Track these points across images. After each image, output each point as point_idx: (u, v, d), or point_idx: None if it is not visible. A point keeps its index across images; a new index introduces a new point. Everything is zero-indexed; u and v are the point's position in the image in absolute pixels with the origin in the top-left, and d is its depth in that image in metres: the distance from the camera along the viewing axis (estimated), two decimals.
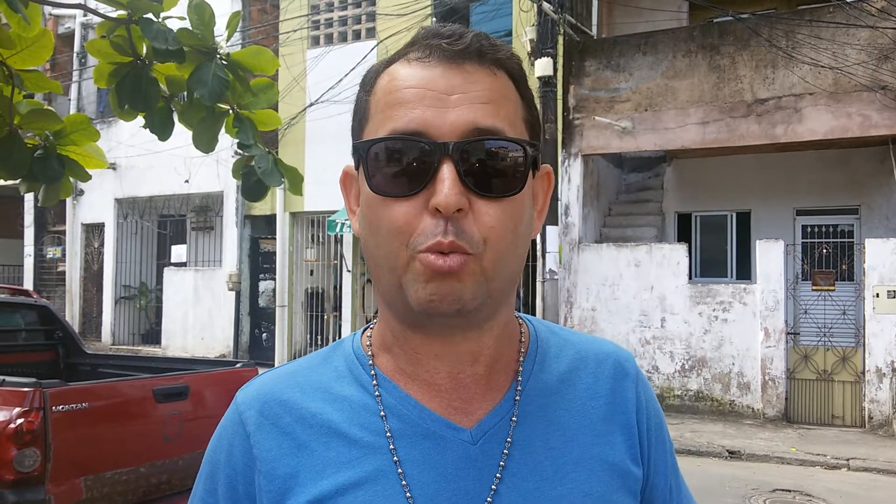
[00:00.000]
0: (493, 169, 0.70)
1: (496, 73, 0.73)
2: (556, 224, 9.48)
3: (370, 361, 0.79)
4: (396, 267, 0.70)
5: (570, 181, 10.25)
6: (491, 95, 0.71)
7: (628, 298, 9.72)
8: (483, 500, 0.73)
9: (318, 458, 0.75)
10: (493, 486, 0.74)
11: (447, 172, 0.67)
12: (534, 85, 9.59)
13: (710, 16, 11.29)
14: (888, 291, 8.47)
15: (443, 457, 0.74)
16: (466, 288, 0.69)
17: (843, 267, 10.03)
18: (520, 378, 0.79)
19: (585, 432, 0.79)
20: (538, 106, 9.21)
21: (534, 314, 10.17)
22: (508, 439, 0.76)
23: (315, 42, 12.50)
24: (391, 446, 0.74)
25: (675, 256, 9.60)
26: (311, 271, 12.93)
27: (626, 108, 9.97)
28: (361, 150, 0.72)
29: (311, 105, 11.65)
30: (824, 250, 9.70)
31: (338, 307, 12.62)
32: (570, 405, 0.80)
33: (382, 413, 0.75)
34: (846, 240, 10.41)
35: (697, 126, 9.58)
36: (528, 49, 9.51)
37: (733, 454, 7.52)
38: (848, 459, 7.19)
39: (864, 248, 8.82)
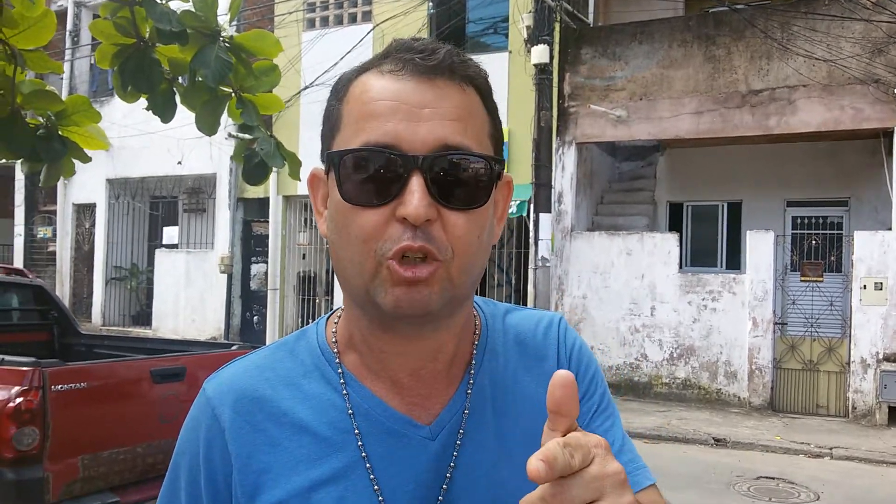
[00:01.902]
0: (459, 182, 0.73)
1: (465, 90, 0.76)
2: (550, 212, 9.52)
3: (337, 359, 0.82)
4: (364, 272, 0.74)
5: (564, 169, 10.29)
6: (460, 112, 0.74)
7: (619, 286, 9.80)
8: (439, 491, 0.78)
9: (291, 454, 0.78)
10: (447, 475, 0.78)
11: (416, 184, 0.71)
12: (530, 72, 9.61)
13: (707, 6, 11.29)
14: (875, 283, 8.58)
15: (406, 453, 0.78)
16: (434, 294, 0.73)
17: (832, 258, 10.14)
18: (472, 371, 0.83)
19: (531, 413, 0.82)
20: (534, 93, 9.24)
21: (525, 302, 10.24)
22: (461, 430, 0.80)
23: (311, 24, 12.44)
24: (359, 443, 0.78)
25: (667, 245, 9.67)
26: (304, 255, 12.94)
27: (620, 97, 9.99)
28: (335, 159, 0.74)
29: (307, 88, 11.62)
30: (813, 242, 9.80)
31: (329, 291, 12.66)
32: (515, 388, 0.84)
33: (350, 411, 0.79)
34: (835, 231, 10.52)
35: (691, 116, 9.63)
36: (525, 36, 9.51)
37: (719, 442, 7.63)
38: (831, 448, 7.31)
39: (852, 240, 8.91)
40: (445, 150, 0.72)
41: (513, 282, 11.49)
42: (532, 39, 9.31)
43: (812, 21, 9.03)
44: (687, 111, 9.64)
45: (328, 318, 0.87)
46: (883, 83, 8.71)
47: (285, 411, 0.80)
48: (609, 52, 10.13)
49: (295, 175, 2.76)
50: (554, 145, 10.00)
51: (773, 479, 6.42)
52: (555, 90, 9.90)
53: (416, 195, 0.70)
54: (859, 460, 7.03)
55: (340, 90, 0.79)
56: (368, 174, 0.72)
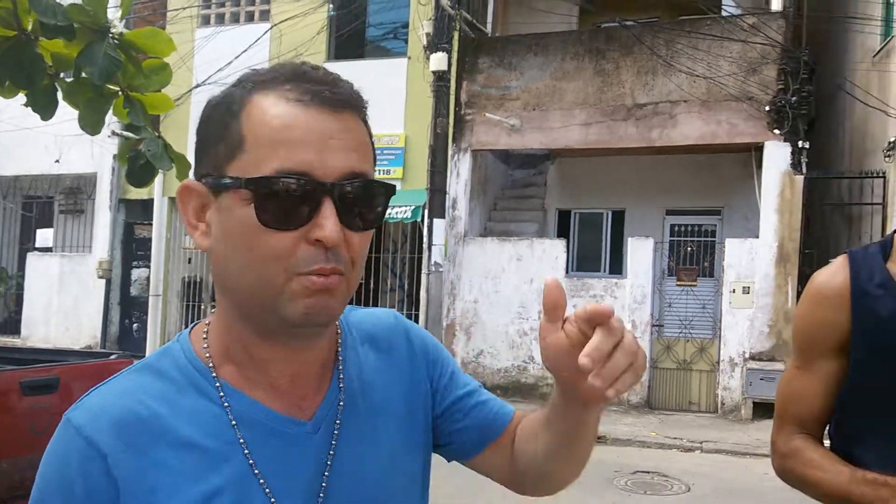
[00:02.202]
0: (363, 207, 0.81)
1: (359, 122, 0.83)
2: (444, 217, 9.68)
3: (213, 373, 0.84)
4: (273, 286, 0.78)
5: (459, 175, 10.49)
6: (359, 143, 0.81)
7: (509, 291, 10.08)
8: (322, 478, 0.85)
9: (179, 471, 0.79)
10: (328, 462, 0.85)
11: (329, 210, 0.77)
12: (428, 78, 9.74)
13: (599, 20, 11.81)
14: (743, 287, 9.24)
15: (291, 451, 0.84)
16: (337, 302, 0.81)
17: (706, 264, 10.82)
18: (340, 367, 0.90)
19: (392, 399, 0.93)
20: (432, 99, 9.36)
21: (418, 306, 10.35)
22: (338, 421, 0.87)
23: (205, 21, 12.09)
24: (245, 451, 0.81)
25: (555, 251, 10.04)
26: (189, 259, 12.50)
27: (515, 106, 10.29)
28: (250, 184, 0.77)
29: (198, 87, 11.27)
30: (689, 248, 10.43)
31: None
32: (375, 378, 0.94)
33: (234, 422, 0.82)
34: (709, 239, 11.23)
35: (581, 127, 10.04)
36: (425, 42, 9.63)
37: (599, 439, 7.98)
38: (702, 442, 7.82)
39: (724, 247, 9.55)
40: (352, 178, 0.79)
41: (405, 287, 11.58)
42: (431, 47, 9.44)
43: (695, 40, 9.63)
44: (577, 122, 10.05)
45: (190, 334, 0.89)
46: (756, 100, 9.40)
47: (167, 430, 0.80)
48: (505, 63, 10.42)
49: (183, 177, 2.72)
50: (450, 152, 10.17)
51: (649, 472, 6.80)
52: (452, 97, 10.08)
53: (329, 220, 0.77)
54: (727, 453, 7.56)
55: (235, 109, 0.80)
56: (284, 199, 0.76)
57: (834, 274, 1.38)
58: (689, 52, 9.61)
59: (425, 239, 9.86)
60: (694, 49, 9.60)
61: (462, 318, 10.15)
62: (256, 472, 0.81)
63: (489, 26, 11.45)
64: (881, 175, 8.99)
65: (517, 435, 1.01)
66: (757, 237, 9.48)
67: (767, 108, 9.26)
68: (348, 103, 0.80)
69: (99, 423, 0.79)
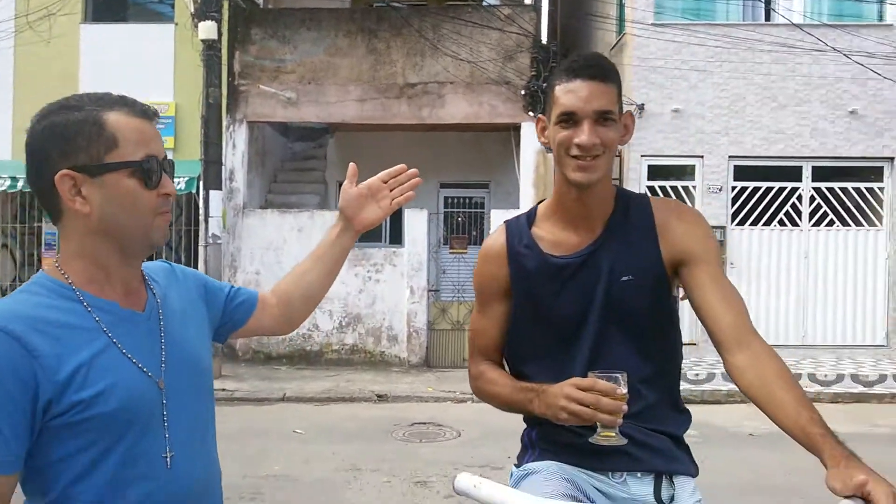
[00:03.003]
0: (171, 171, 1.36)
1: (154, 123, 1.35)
2: (220, 189, 9.52)
3: (73, 287, 1.27)
4: (146, 225, 1.30)
5: (235, 147, 10.35)
6: (160, 136, 1.37)
7: (291, 262, 10.08)
8: (161, 347, 1.34)
9: (69, 343, 1.21)
10: (161, 336, 1.35)
11: (167, 177, 1.33)
12: (198, 46, 9.45)
13: (371, 0, 12.14)
14: None
15: (136, 330, 1.32)
16: (168, 230, 1.37)
17: (475, 233, 11.72)
18: (150, 284, 1.40)
19: (180, 302, 1.45)
20: (203, 69, 9.08)
21: None
22: (160, 311, 1.37)
23: None
24: (105, 330, 1.26)
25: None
26: None
27: (291, 80, 10.33)
28: (133, 164, 1.27)
29: None
30: (460, 219, 11.23)
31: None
32: (169, 288, 1.45)
33: (95, 315, 1.27)
34: (478, 210, 12.15)
35: (356, 103, 10.35)
36: (192, 10, 9.32)
37: (381, 398, 8.48)
38: (472, 394, 8.57)
39: (490, 217, 10.42)
40: (166, 158, 1.34)
41: (182, 259, 11.23)
42: (200, 14, 9.16)
43: (458, 25, 10.29)
44: (352, 98, 10.33)
45: (45, 271, 1.30)
46: (513, 85, 10.30)
47: (54, 320, 1.22)
48: (279, 35, 10.40)
49: None
50: (224, 123, 9.99)
51: (425, 423, 7.39)
52: (224, 67, 9.87)
53: (170, 182, 1.33)
54: None
55: (96, 120, 1.26)
56: (149, 172, 1.28)
57: (496, 238, 1.79)
58: (453, 37, 10.28)
59: (201, 211, 9.64)
60: (458, 34, 10.28)
61: None
62: (116, 342, 1.26)
63: None
64: (617, 154, 10.33)
65: (281, 289, 1.69)
66: (518, 209, 10.45)
67: (523, 93, 10.20)
68: (155, 114, 1.34)
69: (8, 320, 1.18)
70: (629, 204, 1.72)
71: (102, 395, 1.21)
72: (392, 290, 10.21)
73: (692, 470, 1.70)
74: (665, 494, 1.65)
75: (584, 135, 1.57)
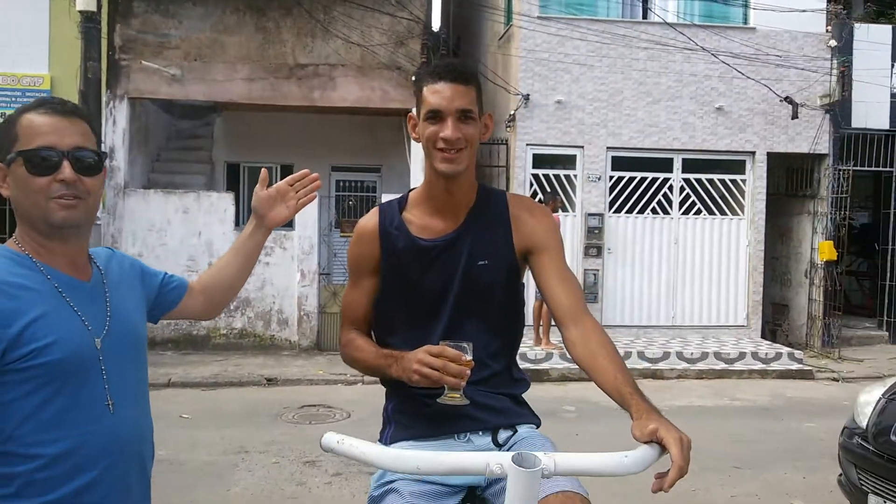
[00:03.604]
0: (88, 162, 1.53)
1: (83, 123, 1.55)
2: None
3: (31, 257, 1.51)
4: (41, 207, 1.49)
5: (116, 124, 9.94)
6: (83, 131, 1.55)
7: (176, 244, 9.95)
8: (105, 311, 1.58)
9: (25, 300, 1.44)
10: (107, 302, 1.60)
11: (66, 165, 1.49)
12: (75, 17, 8.98)
13: None
14: None
15: (85, 296, 1.55)
16: (79, 213, 1.53)
17: None
18: (93, 259, 1.64)
19: (123, 279, 1.71)
20: (80, 41, 8.65)
21: None
22: (105, 282, 1.63)
23: None
24: (61, 292, 1.50)
25: (223, 204, 10.13)
26: None
27: (176, 56, 10.01)
28: (21, 154, 1.48)
29: None
30: (351, 202, 11.29)
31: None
32: (110, 269, 1.68)
33: (51, 279, 1.50)
34: (370, 194, 12.24)
35: (244, 82, 10.16)
36: None
37: (271, 381, 8.48)
38: (363, 376, 8.71)
39: (381, 201, 10.51)
40: (79, 149, 1.51)
41: None
42: None
43: (349, 8, 10.28)
44: (240, 76, 10.14)
45: (6, 244, 1.53)
46: (404, 70, 10.40)
47: (15, 282, 1.45)
48: (162, 9, 10.03)
49: None
50: (104, 98, 9.57)
51: (315, 405, 7.47)
52: (105, 41, 9.44)
53: (67, 169, 1.49)
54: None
55: (11, 122, 1.52)
56: (34, 160, 1.48)
57: (369, 219, 1.98)
58: (344, 20, 10.26)
59: None
60: (349, 17, 10.27)
61: None
62: (69, 301, 1.50)
63: None
64: (503, 142, 10.68)
65: (203, 279, 1.96)
66: None
67: (413, 78, 10.31)
68: (74, 112, 1.54)
69: None
70: (489, 198, 1.95)
71: (49, 347, 1.43)
72: (282, 274, 10.17)
73: (533, 420, 1.95)
74: (502, 437, 1.89)
75: (448, 130, 1.78)
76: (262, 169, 1.95)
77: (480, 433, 1.88)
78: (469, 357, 1.67)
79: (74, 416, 1.45)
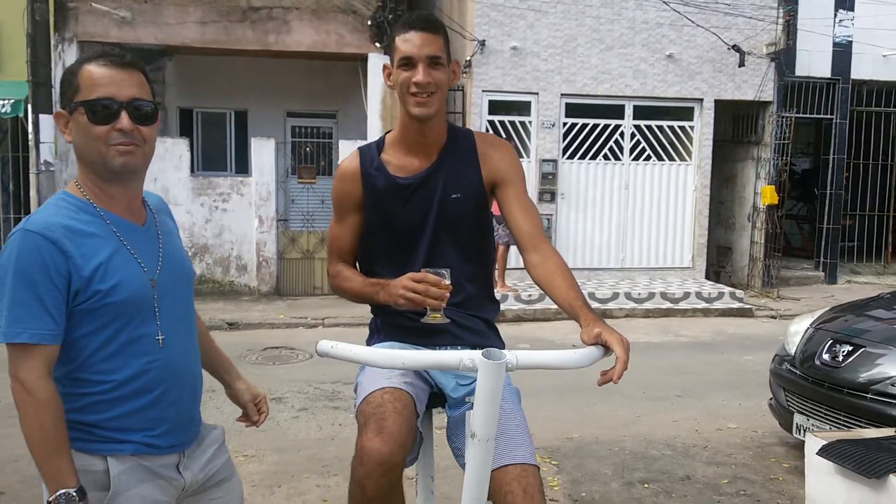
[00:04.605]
0: (145, 111, 1.65)
1: (140, 75, 1.68)
2: (51, 113, 8.97)
3: (92, 203, 1.66)
4: (101, 153, 1.63)
5: (65, 67, 9.70)
6: (140, 82, 1.68)
7: None
8: (158, 252, 1.74)
9: (93, 245, 1.61)
10: (159, 245, 1.76)
11: (125, 115, 1.63)
12: None
13: None
14: None
15: (140, 238, 1.71)
16: (138, 160, 1.68)
17: (323, 163, 11.84)
18: (147, 203, 1.80)
19: (168, 221, 1.86)
20: None
21: (28, 208, 9.56)
22: (157, 224, 1.79)
23: None
24: (119, 235, 1.66)
25: (178, 150, 10.05)
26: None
27: None
28: (83, 104, 1.61)
29: None
30: (307, 148, 11.29)
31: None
32: (165, 216, 1.86)
33: (109, 223, 1.66)
34: (326, 140, 12.24)
35: (197, 25, 9.99)
36: None
37: (232, 325, 8.62)
38: (324, 318, 8.92)
39: (338, 147, 10.56)
40: (136, 99, 1.64)
41: (10, 188, 10.52)
42: None
43: None
44: (192, 20, 9.96)
45: (68, 188, 1.68)
46: (359, 15, 10.34)
47: (80, 229, 1.61)
48: None
49: None
50: (52, 41, 9.33)
51: (278, 348, 7.66)
52: None
53: (125, 118, 1.62)
54: (344, 325, 8.77)
55: (73, 73, 1.65)
56: (93, 109, 1.60)
57: (351, 161, 2.18)
58: None
59: (31, 136, 9.06)
60: None
61: None
62: (126, 245, 1.67)
63: None
64: (460, 88, 10.75)
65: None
66: (366, 139, 10.66)
67: (369, 23, 10.30)
68: (131, 64, 1.67)
69: (48, 227, 1.57)
70: (458, 137, 2.16)
71: (113, 289, 1.61)
72: (240, 220, 10.20)
73: (499, 344, 2.18)
74: None
75: (419, 75, 1.96)
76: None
77: (459, 348, 2.09)
78: (448, 282, 1.88)
79: (134, 348, 1.65)
